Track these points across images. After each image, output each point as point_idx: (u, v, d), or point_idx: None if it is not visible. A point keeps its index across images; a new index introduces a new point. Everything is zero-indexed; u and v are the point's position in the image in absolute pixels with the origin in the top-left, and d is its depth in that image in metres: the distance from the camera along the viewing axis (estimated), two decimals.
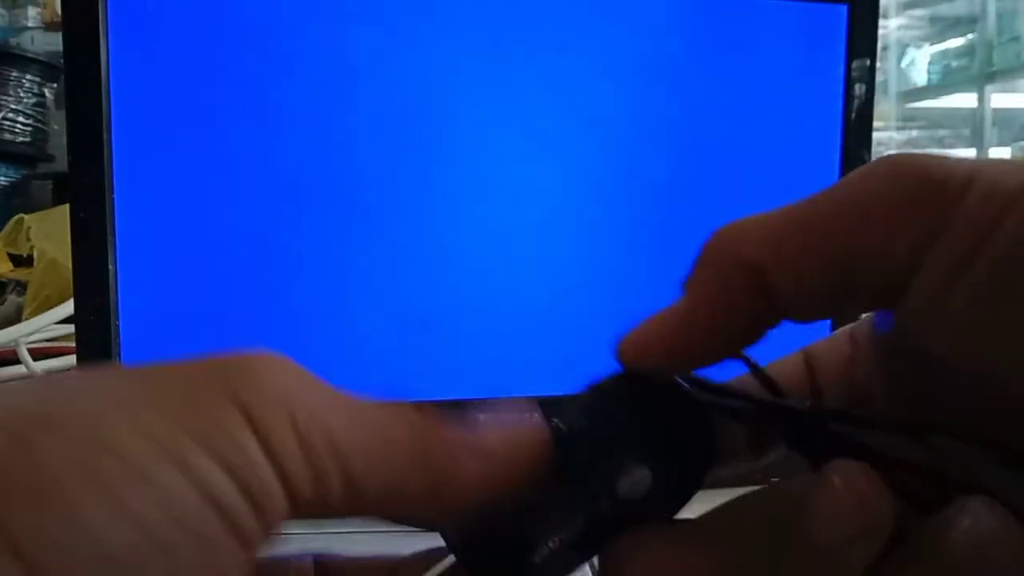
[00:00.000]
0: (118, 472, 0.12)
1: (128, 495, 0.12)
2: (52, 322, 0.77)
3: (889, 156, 0.19)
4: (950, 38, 3.08)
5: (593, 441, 0.19)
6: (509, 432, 0.18)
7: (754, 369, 0.22)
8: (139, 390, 0.14)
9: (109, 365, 0.15)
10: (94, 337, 0.45)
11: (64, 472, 0.12)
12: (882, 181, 0.18)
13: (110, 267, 0.45)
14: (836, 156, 0.54)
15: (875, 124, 0.55)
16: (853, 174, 0.19)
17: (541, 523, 0.19)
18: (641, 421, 0.20)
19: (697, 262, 0.20)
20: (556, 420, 0.19)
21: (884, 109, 3.01)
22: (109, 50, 0.44)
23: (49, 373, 0.72)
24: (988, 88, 2.89)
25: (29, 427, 0.12)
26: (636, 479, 0.19)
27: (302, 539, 0.45)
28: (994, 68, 2.85)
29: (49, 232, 1.01)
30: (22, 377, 0.73)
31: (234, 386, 0.14)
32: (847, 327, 0.24)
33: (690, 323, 0.20)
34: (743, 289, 0.19)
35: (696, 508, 0.20)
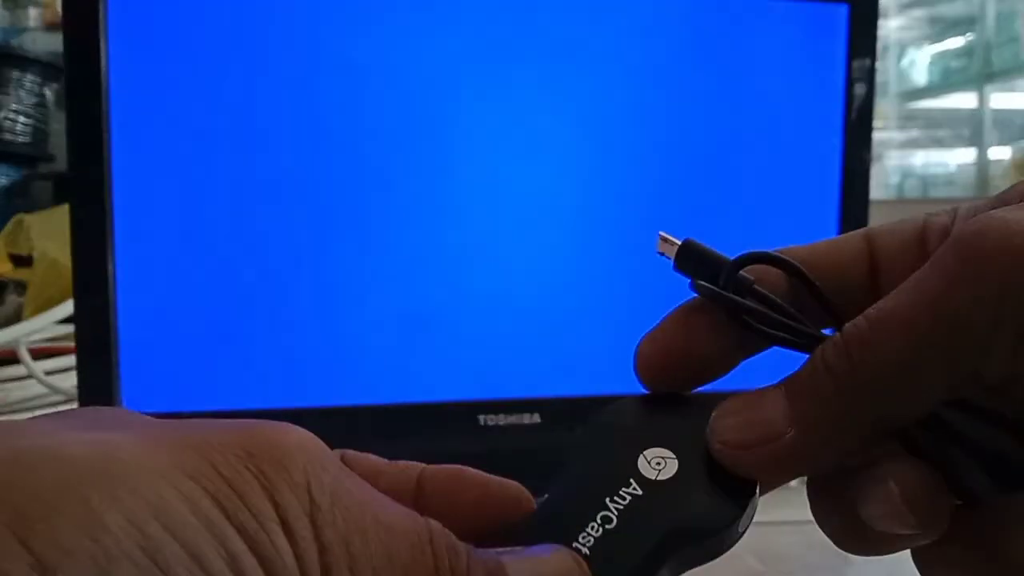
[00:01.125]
0: (163, 538, 0.13)
1: (170, 560, 0.13)
2: (52, 322, 0.77)
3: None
4: (950, 39, 3.08)
5: None
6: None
7: (796, 273, 0.20)
8: (179, 453, 0.14)
9: (136, 415, 0.16)
10: (94, 337, 0.45)
11: (113, 528, 0.12)
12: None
13: (110, 267, 0.45)
14: (837, 156, 0.54)
15: (875, 124, 0.55)
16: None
17: None
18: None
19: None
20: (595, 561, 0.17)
21: (884, 109, 3.00)
22: (109, 50, 0.44)
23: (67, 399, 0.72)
24: (987, 88, 2.89)
25: (83, 474, 0.13)
26: None
27: None
28: (993, 68, 2.85)
29: (49, 232, 1.01)
30: (22, 377, 0.73)
31: (266, 472, 0.14)
32: (921, 217, 0.21)
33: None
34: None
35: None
